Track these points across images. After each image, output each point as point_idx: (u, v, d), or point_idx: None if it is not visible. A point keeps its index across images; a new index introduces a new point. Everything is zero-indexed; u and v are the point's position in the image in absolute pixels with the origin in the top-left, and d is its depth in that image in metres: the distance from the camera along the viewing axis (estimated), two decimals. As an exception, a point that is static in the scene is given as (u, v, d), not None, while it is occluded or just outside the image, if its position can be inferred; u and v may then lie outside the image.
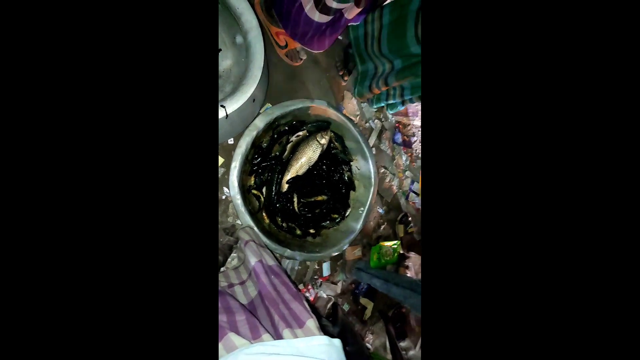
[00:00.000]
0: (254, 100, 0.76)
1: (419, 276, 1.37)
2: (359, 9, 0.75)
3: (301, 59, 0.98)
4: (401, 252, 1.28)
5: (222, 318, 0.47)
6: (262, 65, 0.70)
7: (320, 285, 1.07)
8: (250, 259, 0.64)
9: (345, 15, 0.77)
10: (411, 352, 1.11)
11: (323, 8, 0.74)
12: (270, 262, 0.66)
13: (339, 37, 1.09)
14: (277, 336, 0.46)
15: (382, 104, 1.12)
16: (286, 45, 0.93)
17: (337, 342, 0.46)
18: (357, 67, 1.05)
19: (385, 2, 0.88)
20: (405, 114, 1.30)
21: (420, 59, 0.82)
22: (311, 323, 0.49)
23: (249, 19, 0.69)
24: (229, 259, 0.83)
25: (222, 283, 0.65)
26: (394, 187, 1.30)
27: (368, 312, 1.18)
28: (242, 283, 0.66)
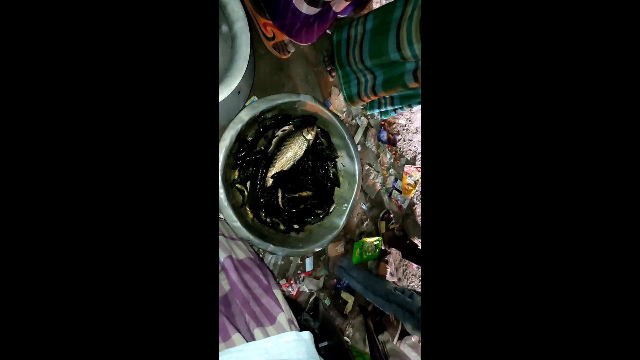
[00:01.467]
0: (239, 92, 0.74)
1: (398, 271, 1.41)
2: (347, 2, 0.75)
3: (289, 52, 0.96)
4: (382, 248, 1.31)
5: None
6: (248, 57, 0.68)
7: (303, 280, 1.08)
8: (219, 255, 0.63)
9: (334, 7, 0.76)
10: (389, 345, 1.14)
11: (311, 0, 0.72)
12: (241, 255, 0.65)
13: (327, 31, 1.08)
14: (249, 336, 0.46)
15: (376, 111, 1.15)
16: (274, 37, 0.91)
17: (306, 335, 0.46)
18: (338, 70, 1.06)
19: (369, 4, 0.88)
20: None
21: (401, 72, 0.83)
22: (282, 317, 0.49)
23: (236, 9, 0.67)
24: None
25: None
26: (378, 185, 1.32)
27: (349, 307, 1.20)
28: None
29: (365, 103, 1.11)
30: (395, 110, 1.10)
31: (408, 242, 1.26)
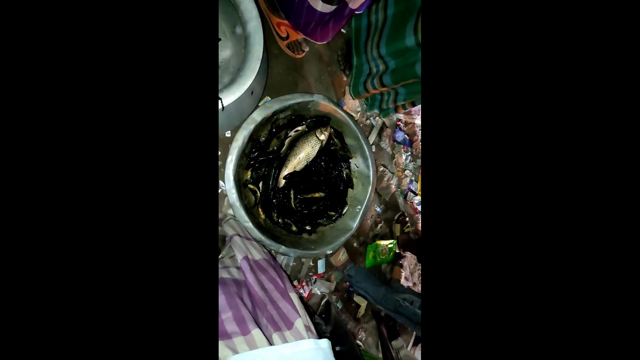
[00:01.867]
0: (252, 92, 0.74)
1: (414, 276, 1.36)
2: (364, -1, 0.73)
3: (303, 51, 0.95)
4: (397, 251, 1.27)
5: None
6: (260, 57, 0.67)
7: (315, 282, 1.06)
8: (237, 255, 0.63)
9: (350, 4, 0.74)
10: (402, 352, 1.11)
11: (327, -2, 0.71)
12: (257, 256, 0.64)
13: (342, 30, 1.06)
14: (269, 336, 0.45)
15: (376, 110, 1.10)
16: (287, 37, 0.91)
17: (324, 343, 0.45)
18: (353, 61, 1.03)
19: None
20: (407, 112, 1.27)
21: (413, 61, 0.79)
22: (299, 323, 0.48)
23: (249, 9, 0.66)
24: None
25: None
26: (393, 186, 1.29)
27: (361, 310, 1.17)
28: (239, 268, 0.65)
29: (368, 96, 1.06)
30: (396, 108, 1.04)
31: None
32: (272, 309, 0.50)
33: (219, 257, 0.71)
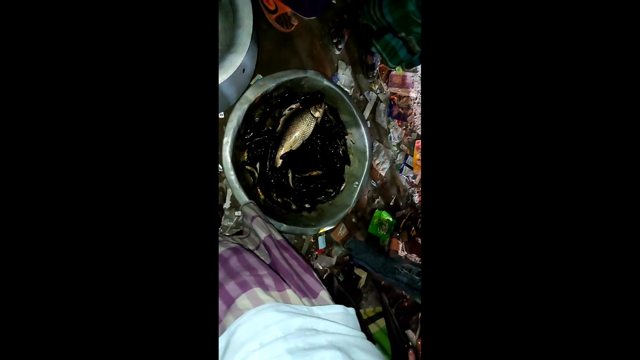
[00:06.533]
0: (243, 70, 0.72)
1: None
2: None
3: (292, 25, 0.92)
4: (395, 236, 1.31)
5: (246, 273, 0.47)
6: (251, 32, 0.65)
7: (317, 257, 1.10)
8: (260, 234, 0.64)
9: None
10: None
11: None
12: (278, 236, 0.66)
13: (333, 2, 1.02)
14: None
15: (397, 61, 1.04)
16: (276, 10, 0.87)
17: (352, 310, 0.47)
18: (376, 47, 1.00)
19: None
20: (401, 86, 1.26)
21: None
22: (324, 294, 0.50)
23: (235, -21, 0.63)
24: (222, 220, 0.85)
25: (233, 245, 0.65)
26: (388, 161, 1.30)
27: (362, 282, 1.22)
28: (256, 248, 0.67)
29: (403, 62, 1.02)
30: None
31: None
32: (298, 280, 0.52)
33: (242, 237, 0.73)
